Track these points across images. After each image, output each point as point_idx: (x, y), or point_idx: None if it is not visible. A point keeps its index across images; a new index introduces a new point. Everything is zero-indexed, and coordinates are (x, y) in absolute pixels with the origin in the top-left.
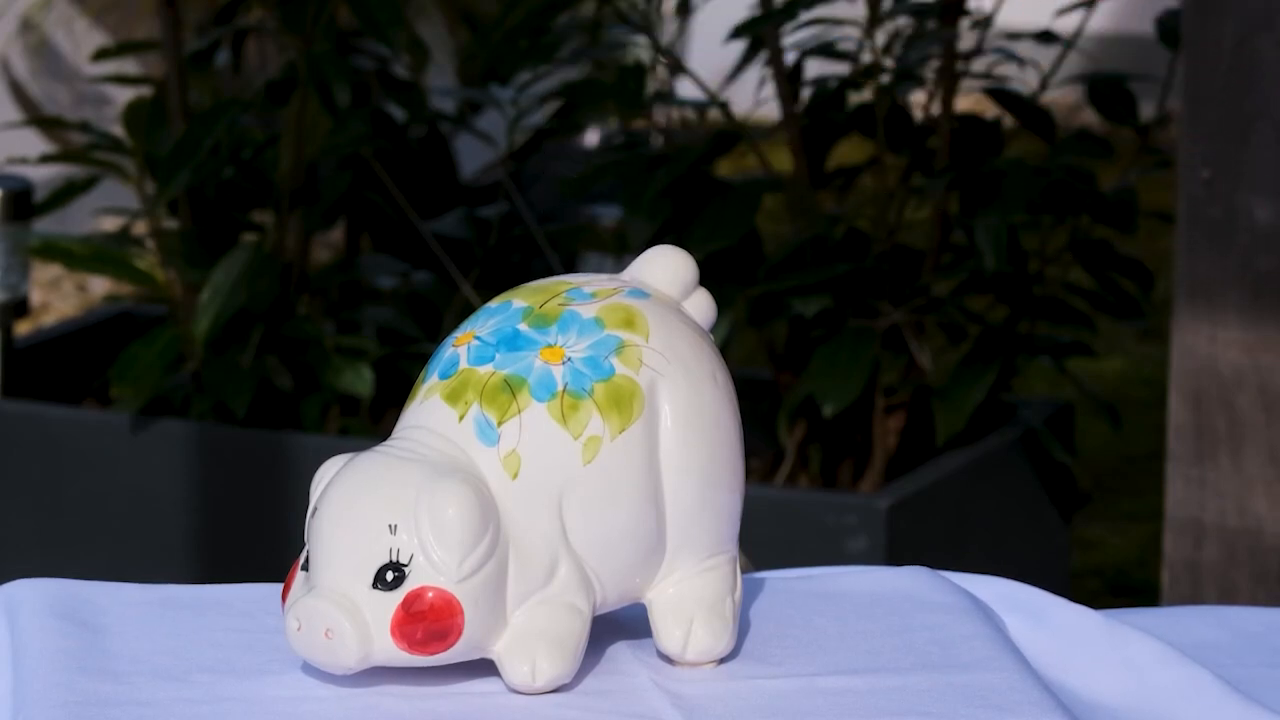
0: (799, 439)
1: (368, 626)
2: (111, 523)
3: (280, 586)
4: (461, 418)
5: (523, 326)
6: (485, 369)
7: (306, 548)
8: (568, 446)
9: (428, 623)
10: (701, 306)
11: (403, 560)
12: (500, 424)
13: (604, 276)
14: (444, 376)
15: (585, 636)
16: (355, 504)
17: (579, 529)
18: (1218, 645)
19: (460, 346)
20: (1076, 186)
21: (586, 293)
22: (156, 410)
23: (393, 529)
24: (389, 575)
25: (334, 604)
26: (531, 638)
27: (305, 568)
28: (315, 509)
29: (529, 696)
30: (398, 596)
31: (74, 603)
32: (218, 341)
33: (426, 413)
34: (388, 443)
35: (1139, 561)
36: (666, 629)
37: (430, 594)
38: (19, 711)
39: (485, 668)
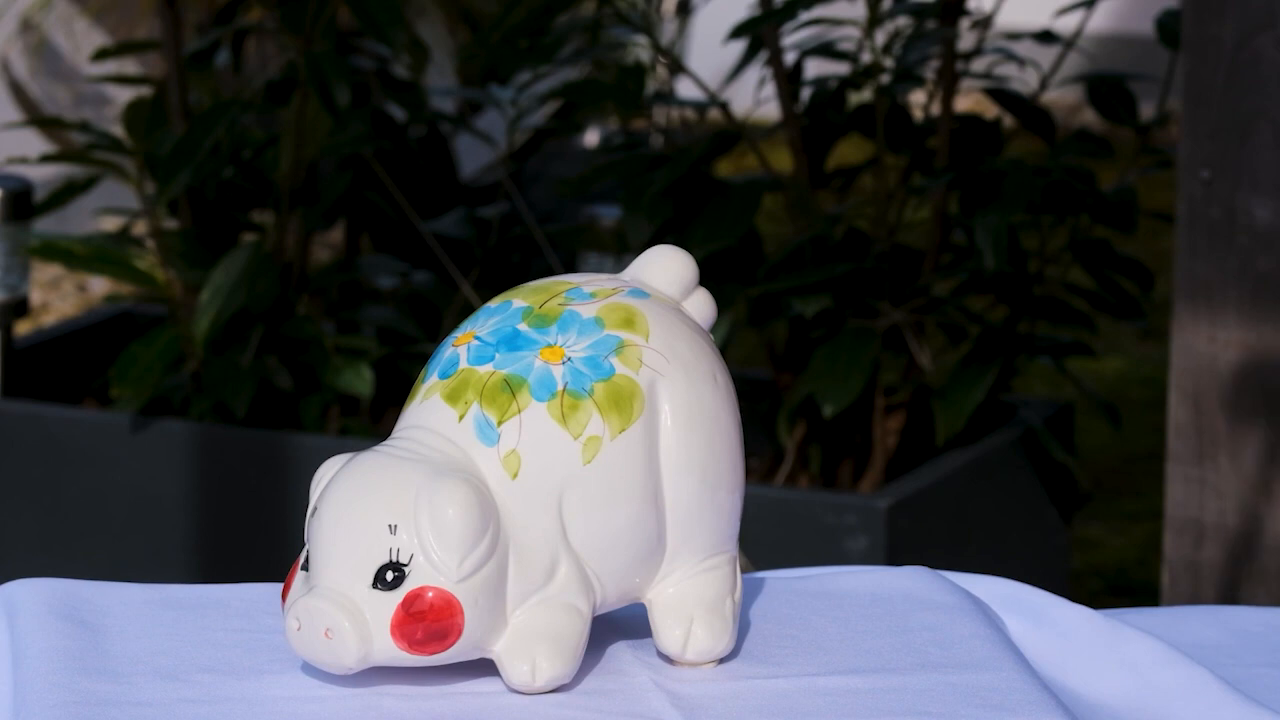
0: (799, 439)
1: (368, 626)
2: (111, 523)
3: (280, 586)
4: (461, 417)
5: (523, 326)
6: (485, 369)
7: (306, 548)
8: (568, 446)
9: (428, 623)
10: (701, 306)
11: (403, 560)
12: (500, 424)
13: (604, 276)
14: (444, 376)
15: (585, 636)
16: (355, 504)
17: (579, 529)
18: (1218, 645)
19: (460, 346)
20: (1076, 186)
21: (586, 293)
22: (156, 410)
23: (393, 529)
24: (389, 575)
25: (334, 604)
26: (531, 638)
27: (305, 568)
28: (315, 509)
29: (529, 696)
30: (397, 596)
31: (74, 603)
32: (218, 341)
33: (426, 412)
34: (388, 443)
35: (1139, 561)
36: (666, 629)
37: (430, 594)
38: (19, 711)
39: (485, 668)
